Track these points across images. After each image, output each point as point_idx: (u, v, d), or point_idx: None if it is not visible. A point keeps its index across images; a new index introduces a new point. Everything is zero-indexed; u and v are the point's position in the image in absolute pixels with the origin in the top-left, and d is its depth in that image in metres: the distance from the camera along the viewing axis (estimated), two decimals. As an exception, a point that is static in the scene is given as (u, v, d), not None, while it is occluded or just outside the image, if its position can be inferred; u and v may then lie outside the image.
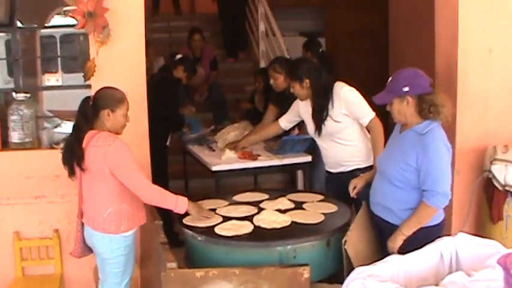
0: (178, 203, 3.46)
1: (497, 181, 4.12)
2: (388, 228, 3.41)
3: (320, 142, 4.30)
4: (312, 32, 8.55)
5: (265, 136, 4.94)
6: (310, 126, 4.29)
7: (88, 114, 3.40)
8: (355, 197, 3.78)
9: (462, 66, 4.28)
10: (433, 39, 4.56)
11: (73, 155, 3.39)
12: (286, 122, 4.62)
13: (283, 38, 7.70)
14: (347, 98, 4.04)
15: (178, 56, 6.06)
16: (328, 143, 4.21)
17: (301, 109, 4.37)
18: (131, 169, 3.36)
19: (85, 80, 4.11)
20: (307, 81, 4.14)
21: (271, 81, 5.25)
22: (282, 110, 4.88)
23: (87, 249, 3.64)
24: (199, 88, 7.57)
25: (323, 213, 3.73)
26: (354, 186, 3.79)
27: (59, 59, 9.90)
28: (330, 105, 4.09)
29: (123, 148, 3.35)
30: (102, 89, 3.49)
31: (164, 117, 5.44)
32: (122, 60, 4.13)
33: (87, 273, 4.15)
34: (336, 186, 4.24)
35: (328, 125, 4.12)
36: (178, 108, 5.89)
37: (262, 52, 8.29)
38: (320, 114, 4.14)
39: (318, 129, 4.18)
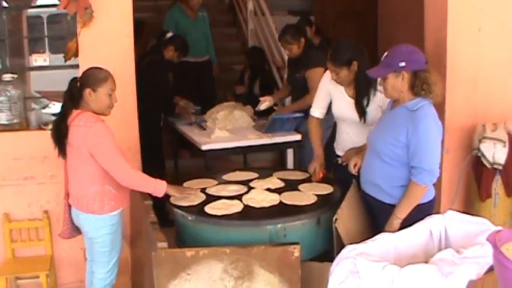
0: (157, 187, 3.46)
1: (486, 159, 4.14)
2: (379, 207, 3.42)
3: (345, 126, 4.06)
4: (301, 11, 8.48)
5: (319, 138, 4.22)
6: (342, 110, 4.00)
7: (73, 94, 3.41)
8: (355, 174, 3.68)
9: (451, 44, 4.27)
10: (422, 18, 4.55)
11: (59, 133, 3.40)
12: (319, 109, 4.17)
13: (272, 16, 7.66)
14: None
15: (169, 35, 5.97)
16: (358, 128, 3.96)
17: (332, 89, 4.03)
18: (110, 153, 3.36)
19: (65, 61, 4.09)
20: (355, 63, 3.79)
21: (286, 52, 5.32)
22: (294, 73, 5.20)
23: (76, 230, 3.66)
24: None
25: (317, 194, 3.73)
26: (355, 164, 3.68)
27: (46, 39, 9.81)
28: (372, 90, 3.84)
29: (104, 131, 3.35)
30: (87, 69, 3.49)
31: (155, 100, 5.43)
32: (110, 40, 4.10)
33: (78, 254, 4.15)
34: (341, 169, 4.02)
35: (371, 111, 3.86)
36: (168, 91, 5.86)
37: (250, 31, 8.25)
38: (365, 98, 3.84)
39: (362, 114, 3.87)
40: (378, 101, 3.84)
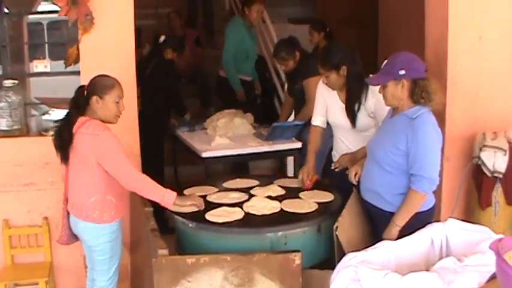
0: (165, 196, 3.39)
1: (486, 167, 4.13)
2: (378, 215, 3.42)
3: (339, 133, 4.05)
4: (302, 19, 8.49)
5: (315, 147, 4.16)
6: (335, 115, 3.99)
7: (79, 101, 3.39)
8: (356, 183, 3.66)
9: (452, 54, 4.27)
10: (423, 27, 4.56)
11: (62, 140, 3.38)
12: (319, 117, 4.13)
13: (273, 24, 7.67)
14: (380, 98, 3.48)
15: (162, 38, 5.91)
16: (351, 135, 3.96)
17: (326, 94, 4.03)
18: (118, 159, 3.33)
19: (65, 67, 4.10)
20: (345, 67, 3.79)
21: (282, 68, 5.37)
22: (294, 85, 5.20)
23: (74, 236, 3.62)
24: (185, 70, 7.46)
25: (318, 202, 3.73)
26: (355, 173, 3.66)
27: (47, 45, 9.81)
28: (363, 96, 3.82)
29: (111, 139, 3.33)
30: (94, 76, 3.47)
31: (168, 103, 5.43)
32: (111, 47, 4.10)
33: (77, 260, 4.14)
34: (339, 177, 4.00)
35: (361, 117, 3.86)
36: (176, 91, 5.87)
37: (251, 38, 8.25)
38: (356, 104, 3.83)
39: (352, 120, 3.86)
40: (369, 108, 3.82)
